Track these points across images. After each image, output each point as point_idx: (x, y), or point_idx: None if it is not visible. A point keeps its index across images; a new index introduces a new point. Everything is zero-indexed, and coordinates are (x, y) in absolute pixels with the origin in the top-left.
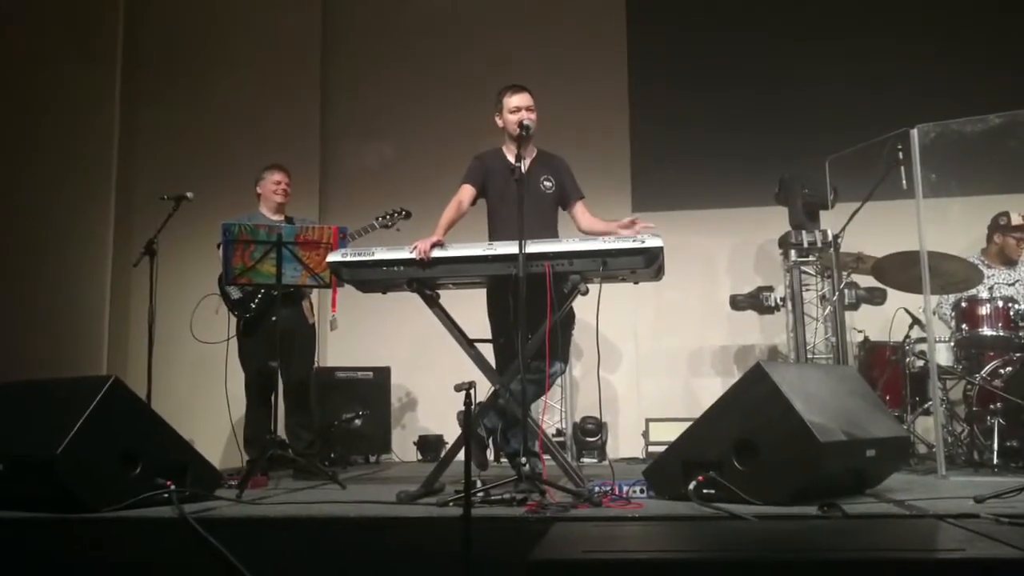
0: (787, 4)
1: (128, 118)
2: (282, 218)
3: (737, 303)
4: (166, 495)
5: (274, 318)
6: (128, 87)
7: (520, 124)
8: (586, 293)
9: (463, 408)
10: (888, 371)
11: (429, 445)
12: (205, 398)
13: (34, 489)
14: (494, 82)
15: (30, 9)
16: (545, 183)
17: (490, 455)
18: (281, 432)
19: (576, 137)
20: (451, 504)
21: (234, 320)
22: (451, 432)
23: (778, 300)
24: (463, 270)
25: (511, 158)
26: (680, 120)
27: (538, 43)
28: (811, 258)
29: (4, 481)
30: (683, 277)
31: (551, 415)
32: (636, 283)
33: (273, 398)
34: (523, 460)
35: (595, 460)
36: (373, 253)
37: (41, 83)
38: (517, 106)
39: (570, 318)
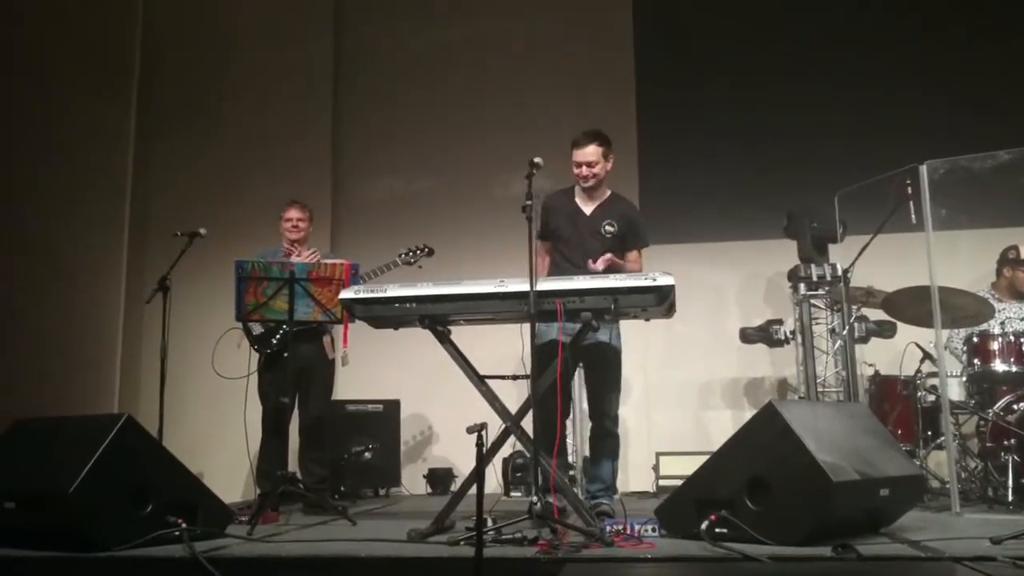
0: (797, 37)
1: (142, 154)
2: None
3: (747, 336)
4: (177, 533)
5: (286, 354)
6: (142, 123)
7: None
8: (597, 329)
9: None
10: (899, 406)
11: (439, 479)
12: (223, 431)
13: (46, 526)
14: (506, 115)
15: (47, 46)
16: (607, 227)
17: (499, 487)
18: (293, 466)
19: None
20: (462, 543)
21: (255, 354)
22: (461, 466)
23: (788, 333)
24: (474, 307)
25: (578, 200)
26: (688, 153)
27: (548, 78)
28: (820, 292)
29: (16, 518)
30: (692, 310)
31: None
32: (647, 320)
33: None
34: (535, 499)
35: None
36: (386, 290)
37: (56, 119)
38: (577, 161)
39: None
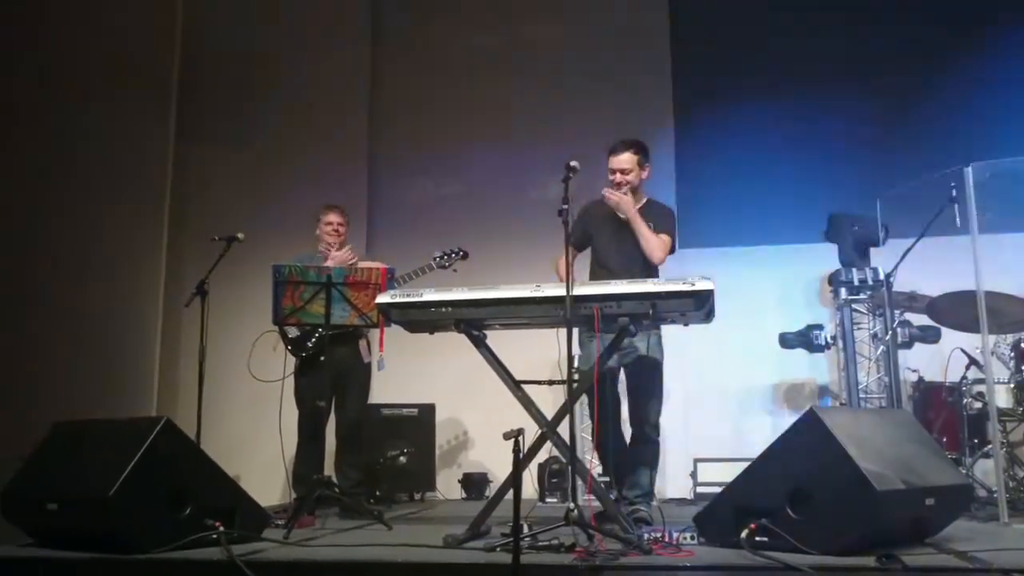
0: (835, 39)
1: (180, 158)
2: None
3: (787, 341)
4: (215, 536)
5: (322, 358)
6: (181, 128)
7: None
8: (634, 335)
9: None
10: (944, 413)
11: (474, 483)
12: (259, 434)
13: (87, 528)
14: (542, 118)
15: (88, 53)
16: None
17: (535, 492)
18: (329, 469)
19: None
20: (498, 549)
21: (291, 358)
22: (495, 470)
23: (828, 338)
24: (510, 311)
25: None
26: (726, 156)
27: (583, 81)
28: (862, 296)
29: (59, 519)
30: (730, 315)
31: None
32: (686, 325)
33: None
34: (571, 505)
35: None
36: (422, 294)
37: (97, 124)
38: (611, 168)
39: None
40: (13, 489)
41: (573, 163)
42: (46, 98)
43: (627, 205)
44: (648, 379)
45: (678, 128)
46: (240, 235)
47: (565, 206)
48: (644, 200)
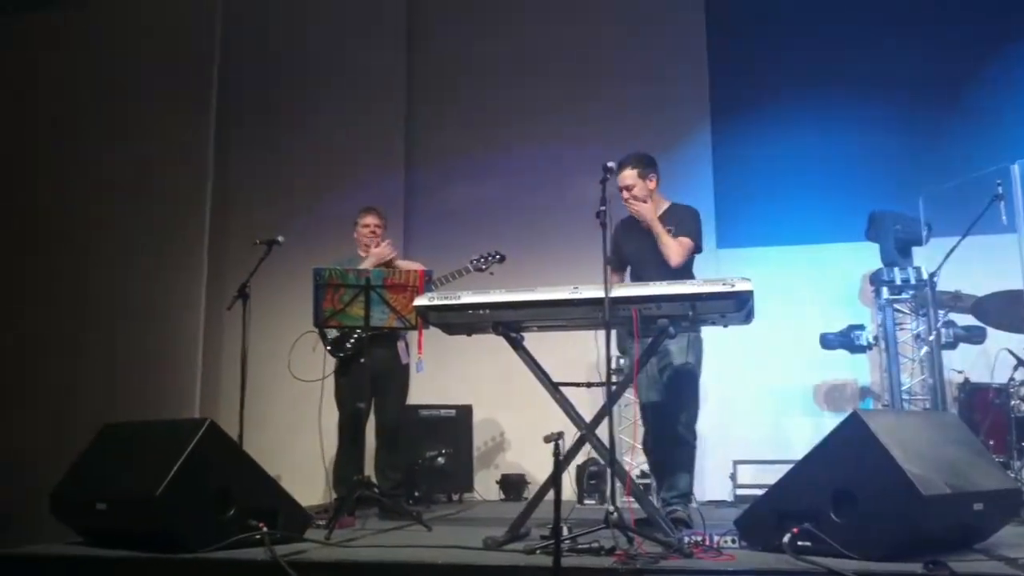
0: (876, 34)
1: (221, 163)
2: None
3: (828, 342)
4: (258, 537)
5: (362, 359)
6: (221, 133)
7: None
8: (673, 336)
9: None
10: (991, 415)
11: (512, 484)
12: (300, 435)
13: (134, 528)
14: (579, 119)
15: (130, 62)
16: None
17: (573, 494)
18: (369, 470)
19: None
20: (538, 552)
21: (330, 358)
22: (533, 471)
23: (870, 339)
24: (548, 314)
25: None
26: (765, 154)
27: (621, 81)
28: (904, 296)
29: (108, 519)
30: (769, 315)
31: (635, 456)
32: (726, 326)
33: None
34: (611, 508)
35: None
36: (459, 297)
37: (140, 130)
38: (618, 187)
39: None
40: (63, 489)
41: (610, 164)
42: (90, 107)
43: (645, 212)
44: (683, 384)
45: (715, 127)
46: (280, 238)
47: (603, 207)
48: (665, 206)
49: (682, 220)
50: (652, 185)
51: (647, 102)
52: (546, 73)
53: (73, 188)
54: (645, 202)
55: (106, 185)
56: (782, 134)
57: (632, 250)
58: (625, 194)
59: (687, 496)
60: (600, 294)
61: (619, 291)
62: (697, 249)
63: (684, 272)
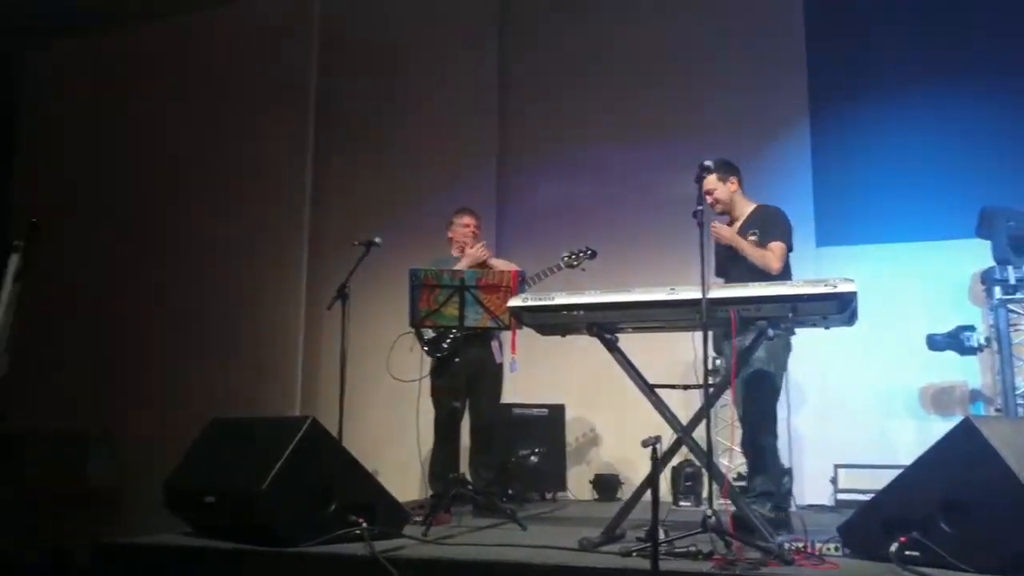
0: (985, 21)
1: (320, 166)
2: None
3: (935, 343)
4: (358, 532)
5: (457, 359)
6: (320, 136)
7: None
8: (772, 339)
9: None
10: None
11: (605, 484)
12: (396, 432)
13: (240, 521)
14: (671, 118)
15: (234, 71)
16: (750, 237)
17: (668, 495)
18: (464, 468)
19: (754, 168)
20: (634, 554)
21: (427, 358)
22: (626, 471)
23: (981, 340)
24: (644, 315)
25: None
26: (866, 148)
27: (715, 76)
28: (1019, 296)
29: (216, 511)
30: (872, 315)
31: (733, 459)
32: (827, 328)
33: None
34: (709, 512)
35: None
36: (553, 298)
37: (243, 136)
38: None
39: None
40: (174, 481)
41: (707, 162)
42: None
43: (724, 233)
44: (756, 390)
45: (814, 121)
46: (377, 239)
47: (700, 207)
48: (751, 208)
49: (767, 222)
50: (733, 188)
51: (742, 97)
52: (639, 68)
53: (180, 195)
54: (725, 200)
55: (210, 191)
56: (885, 127)
57: (722, 250)
58: (708, 199)
59: (766, 497)
60: (698, 295)
61: (717, 292)
62: (789, 248)
63: (782, 274)
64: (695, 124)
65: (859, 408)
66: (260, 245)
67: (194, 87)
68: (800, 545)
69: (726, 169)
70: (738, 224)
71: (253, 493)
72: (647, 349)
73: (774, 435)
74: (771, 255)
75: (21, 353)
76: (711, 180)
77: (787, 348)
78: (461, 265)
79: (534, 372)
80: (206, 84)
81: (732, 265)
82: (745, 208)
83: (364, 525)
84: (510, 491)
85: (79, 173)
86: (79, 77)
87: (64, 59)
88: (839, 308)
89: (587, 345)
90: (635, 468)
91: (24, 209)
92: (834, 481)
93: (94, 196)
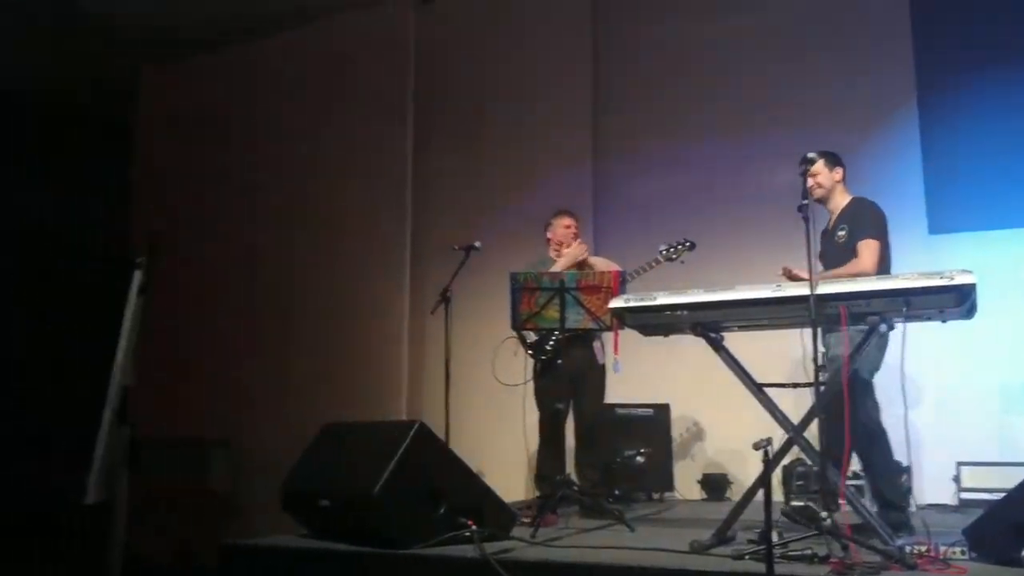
0: None
1: (420, 171)
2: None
3: None
4: (467, 534)
5: (559, 361)
6: (419, 142)
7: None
8: (883, 333)
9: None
10: None
11: (713, 484)
12: (501, 433)
13: (354, 524)
14: (771, 106)
15: (335, 81)
16: (839, 232)
17: (780, 494)
18: (570, 469)
19: (861, 155)
20: (747, 557)
21: (531, 361)
22: (734, 470)
23: None
24: (749, 313)
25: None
26: (980, 129)
27: (816, 64)
28: None
29: (331, 514)
30: (991, 304)
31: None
32: (944, 322)
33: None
34: (824, 514)
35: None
36: (655, 298)
37: (345, 144)
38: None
39: None
40: (290, 485)
41: (811, 155)
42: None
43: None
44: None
45: (922, 103)
46: (477, 244)
47: (805, 201)
48: (846, 200)
49: (856, 218)
50: (838, 177)
51: (844, 82)
52: (736, 58)
53: (288, 209)
54: (826, 187)
55: (315, 203)
56: (1000, 106)
57: (822, 250)
58: (811, 181)
59: (878, 498)
60: (804, 291)
61: (825, 288)
62: (882, 246)
63: (879, 269)
64: (796, 113)
65: (977, 403)
66: (365, 253)
67: (297, 100)
68: (923, 548)
69: (833, 159)
70: (832, 217)
71: (366, 497)
72: (753, 345)
73: (873, 433)
74: (860, 263)
75: (145, 364)
76: (818, 165)
77: (881, 347)
78: (559, 265)
79: (637, 371)
80: (308, 96)
81: (829, 258)
82: (841, 200)
83: (473, 527)
84: (616, 491)
85: (193, 188)
86: (188, 95)
87: (174, 77)
88: (957, 301)
89: (691, 342)
90: (744, 467)
91: (142, 225)
92: (957, 479)
93: (209, 209)
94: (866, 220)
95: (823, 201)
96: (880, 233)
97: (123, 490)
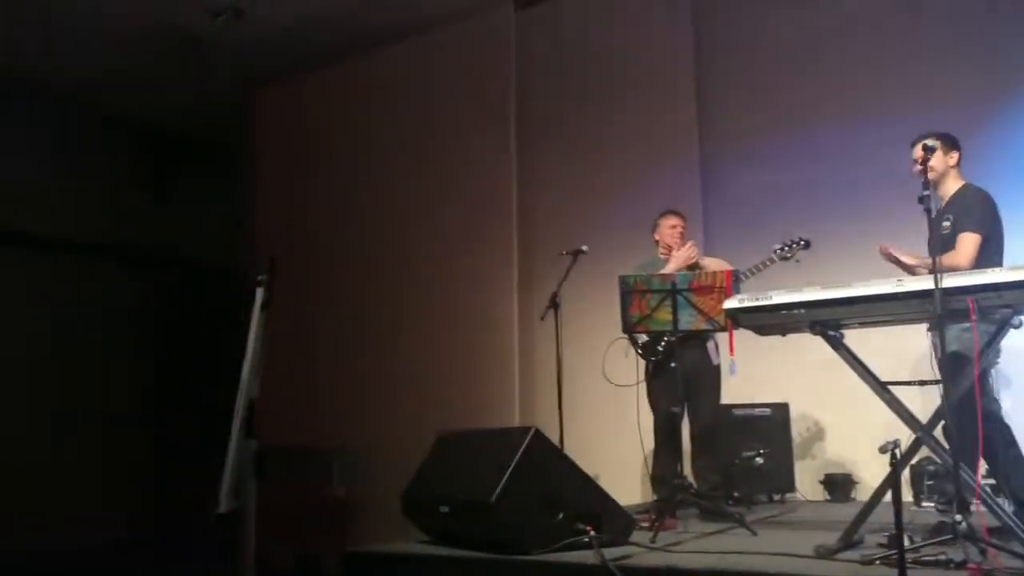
0: None
1: (523, 176)
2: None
3: None
4: (586, 540)
5: (673, 364)
6: (521, 147)
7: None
8: (1019, 326)
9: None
10: None
11: (836, 484)
12: (615, 437)
13: (474, 530)
14: (882, 94)
15: (436, 91)
16: (944, 223)
17: (909, 495)
18: (688, 472)
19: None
20: (877, 562)
21: (643, 362)
22: (858, 470)
23: None
24: (871, 309)
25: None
26: None
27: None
28: None
29: (451, 521)
30: None
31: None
32: None
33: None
34: (958, 517)
35: None
36: (771, 297)
37: (448, 152)
38: (912, 158)
39: None
40: (411, 492)
41: (930, 142)
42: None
43: (902, 259)
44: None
45: None
46: (584, 247)
47: (926, 192)
48: (958, 186)
49: (962, 208)
50: (952, 161)
51: (968, 61)
52: (847, 43)
53: (399, 222)
54: (938, 170)
55: (427, 216)
56: None
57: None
58: (918, 165)
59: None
60: (928, 285)
61: (951, 281)
62: (985, 237)
63: (982, 263)
64: (912, 98)
65: None
66: (473, 262)
67: (401, 112)
68: None
69: (950, 142)
70: (942, 204)
71: (484, 504)
72: (874, 340)
73: (999, 431)
74: (955, 256)
75: (268, 377)
76: (933, 142)
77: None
78: (669, 268)
79: (754, 371)
80: (412, 109)
81: (932, 247)
82: (952, 186)
83: (592, 533)
84: (736, 494)
85: (305, 205)
86: (297, 115)
87: (283, 98)
88: None
89: (808, 339)
90: (868, 467)
91: (262, 242)
92: None
93: (321, 225)
94: (972, 211)
95: (933, 185)
96: (984, 226)
97: (251, 500)
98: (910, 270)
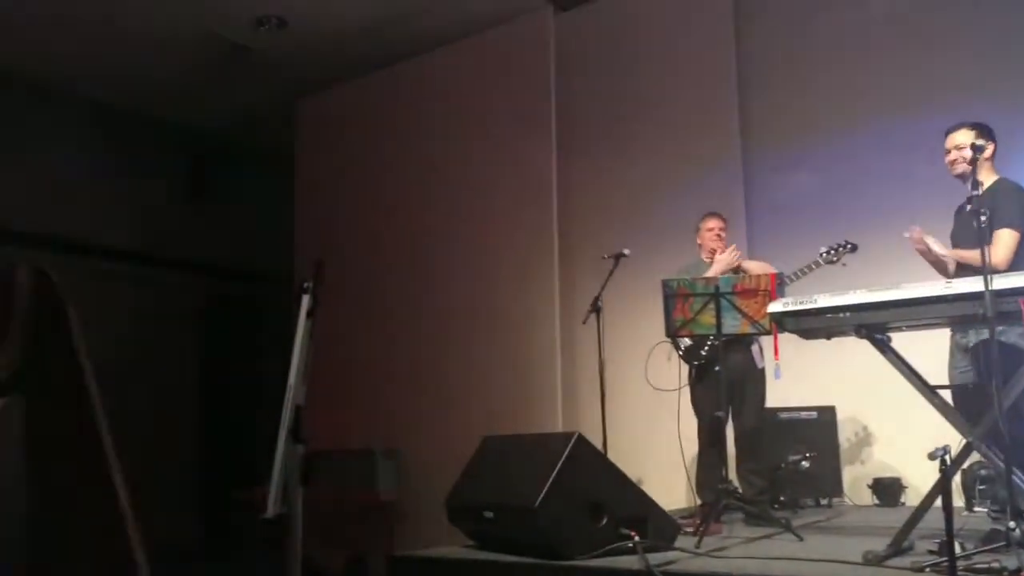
0: None
1: (563, 180)
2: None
3: None
4: (631, 545)
5: (717, 368)
6: (561, 150)
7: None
8: None
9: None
10: None
11: (885, 488)
12: (658, 441)
13: (518, 535)
14: (927, 92)
15: (477, 94)
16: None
17: (960, 500)
18: (732, 477)
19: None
20: (927, 570)
21: (685, 366)
22: (907, 474)
23: None
24: (918, 312)
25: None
26: None
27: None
28: None
29: (495, 525)
30: None
31: None
32: None
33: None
34: (1012, 524)
35: None
36: (816, 300)
37: (488, 156)
38: (946, 148)
39: None
40: (455, 498)
41: (978, 142)
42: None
43: (933, 248)
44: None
45: None
46: (626, 251)
47: (975, 192)
48: (992, 179)
49: (998, 203)
50: (987, 153)
51: (1014, 61)
52: (895, 42)
53: (442, 228)
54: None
55: (467, 221)
56: None
57: (955, 230)
58: (954, 153)
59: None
60: (978, 287)
61: (1002, 282)
62: (1022, 236)
63: (1018, 264)
64: (957, 97)
65: None
66: (514, 266)
67: (440, 117)
68: None
69: (985, 132)
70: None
71: (528, 508)
72: (921, 343)
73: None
74: (994, 252)
75: (315, 382)
76: (968, 135)
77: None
78: (712, 272)
79: (799, 374)
80: (452, 113)
81: (962, 241)
82: (985, 180)
83: (636, 538)
84: (781, 498)
85: (349, 209)
86: (340, 120)
87: (327, 103)
88: None
89: (853, 341)
90: (917, 470)
91: (307, 247)
92: None
93: (365, 229)
94: (1009, 207)
95: (964, 177)
96: (1018, 222)
97: (298, 504)
98: (939, 262)
